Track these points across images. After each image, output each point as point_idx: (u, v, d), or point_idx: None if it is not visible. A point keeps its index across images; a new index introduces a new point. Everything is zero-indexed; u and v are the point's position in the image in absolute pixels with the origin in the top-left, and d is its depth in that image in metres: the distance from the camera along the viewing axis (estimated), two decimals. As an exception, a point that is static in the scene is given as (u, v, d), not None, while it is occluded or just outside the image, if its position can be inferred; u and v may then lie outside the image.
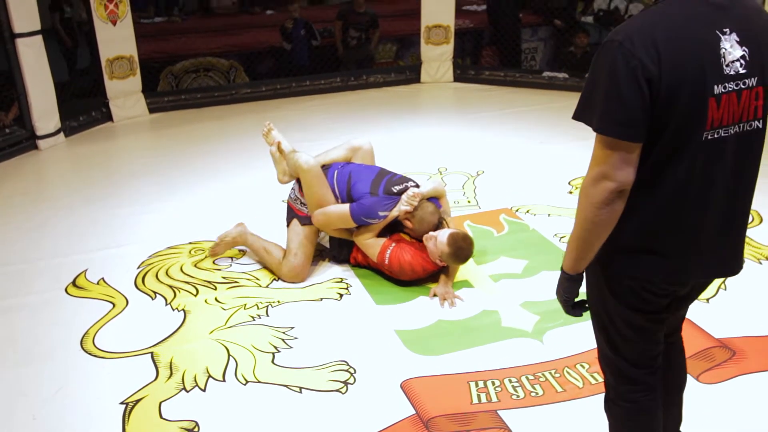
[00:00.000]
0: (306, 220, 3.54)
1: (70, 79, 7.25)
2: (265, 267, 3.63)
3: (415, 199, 3.37)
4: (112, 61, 6.38)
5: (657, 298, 1.75)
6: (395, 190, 3.44)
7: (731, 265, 1.79)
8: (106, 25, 6.28)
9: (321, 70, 7.58)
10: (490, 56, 8.27)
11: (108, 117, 6.48)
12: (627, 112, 1.53)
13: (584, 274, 1.81)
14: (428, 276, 3.45)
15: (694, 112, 1.55)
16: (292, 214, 3.62)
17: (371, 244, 3.44)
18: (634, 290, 1.73)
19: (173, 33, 8.28)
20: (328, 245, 3.78)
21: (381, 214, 3.39)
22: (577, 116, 1.65)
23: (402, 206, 3.37)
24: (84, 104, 6.49)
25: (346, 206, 3.43)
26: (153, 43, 7.56)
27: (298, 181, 3.60)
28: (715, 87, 1.56)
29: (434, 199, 3.51)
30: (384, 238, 3.45)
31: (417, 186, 3.51)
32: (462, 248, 3.31)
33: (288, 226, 3.62)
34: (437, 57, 7.55)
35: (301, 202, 3.58)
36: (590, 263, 1.78)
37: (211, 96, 7.11)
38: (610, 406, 1.95)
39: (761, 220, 4.07)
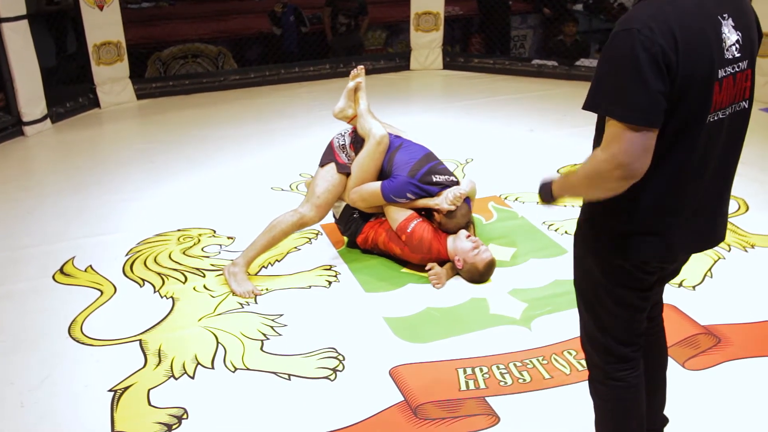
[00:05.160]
0: (342, 168, 3.52)
1: (57, 64, 7.19)
2: (284, 236, 3.47)
3: (460, 200, 3.37)
4: (99, 46, 6.32)
5: (648, 275, 1.80)
6: (434, 180, 3.44)
7: (718, 236, 1.86)
8: (93, 10, 6.21)
9: (310, 57, 7.54)
10: (480, 44, 8.26)
11: (95, 103, 6.43)
12: (650, 98, 1.53)
13: (573, 254, 1.89)
14: (422, 264, 3.46)
15: (703, 97, 1.59)
16: (330, 157, 3.59)
17: (399, 211, 3.44)
18: (626, 270, 1.77)
19: (161, 18, 8.23)
20: (338, 216, 3.73)
21: (409, 195, 3.41)
22: (589, 106, 1.62)
23: (445, 205, 3.36)
24: (71, 90, 6.43)
25: (379, 183, 3.45)
26: (141, 28, 7.50)
27: (355, 133, 3.61)
28: (720, 71, 1.60)
29: (467, 198, 3.51)
30: (412, 210, 3.46)
31: (456, 180, 3.52)
32: (485, 278, 3.38)
33: (322, 167, 3.58)
34: (427, 44, 7.53)
35: (346, 154, 3.57)
36: (583, 248, 1.83)
37: (200, 82, 7.06)
38: (596, 387, 1.97)
39: (747, 208, 4.10)
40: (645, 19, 1.54)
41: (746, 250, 3.64)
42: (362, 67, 3.75)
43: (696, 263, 3.44)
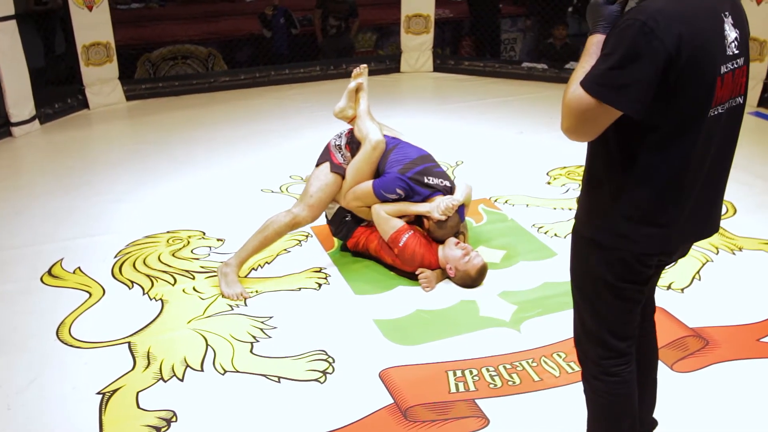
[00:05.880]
0: (336, 169, 3.52)
1: (46, 65, 7.15)
2: (277, 237, 3.47)
3: (452, 211, 3.36)
4: (88, 47, 6.29)
5: (646, 268, 1.82)
6: (425, 181, 3.44)
7: (713, 226, 1.90)
8: (82, 10, 6.18)
9: (300, 59, 7.54)
10: (470, 46, 8.28)
11: (84, 104, 6.40)
12: (643, 91, 1.57)
13: (571, 248, 1.90)
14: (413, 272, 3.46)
15: (706, 91, 1.63)
16: (326, 157, 3.58)
17: (389, 221, 3.42)
18: (627, 262, 1.79)
19: (151, 19, 8.20)
20: (330, 217, 3.72)
21: (398, 191, 3.41)
22: (586, 87, 1.61)
23: (436, 214, 3.35)
24: (59, 91, 6.40)
25: (371, 182, 3.46)
26: (130, 29, 7.47)
27: (351, 133, 3.62)
28: (722, 67, 1.65)
29: (461, 206, 3.51)
30: (402, 221, 3.45)
31: (452, 185, 3.52)
32: (477, 283, 3.37)
33: (317, 167, 3.58)
34: (417, 47, 7.54)
35: (342, 154, 3.56)
36: (583, 241, 1.85)
37: (189, 84, 7.04)
38: (591, 383, 1.98)
39: (735, 212, 4.13)
40: (652, 12, 1.57)
41: (734, 253, 3.67)
42: (365, 66, 3.75)
43: (684, 266, 3.46)
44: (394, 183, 3.40)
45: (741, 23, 1.72)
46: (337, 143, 3.62)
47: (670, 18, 1.56)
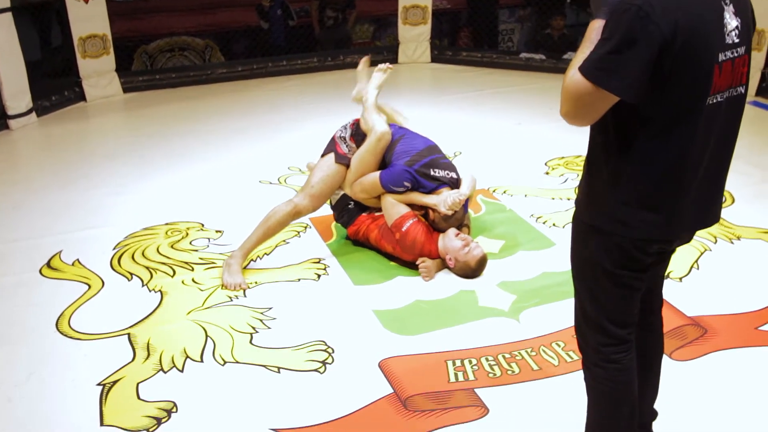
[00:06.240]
0: (341, 159, 3.53)
1: (42, 57, 7.13)
2: (279, 227, 3.47)
3: (459, 206, 3.37)
4: (84, 39, 6.27)
5: (645, 256, 1.82)
6: (431, 173, 3.45)
7: (714, 216, 1.90)
8: (79, 2, 6.16)
9: (297, 50, 7.52)
10: (468, 37, 8.27)
11: (81, 97, 6.38)
12: (638, 75, 1.57)
13: (571, 235, 1.91)
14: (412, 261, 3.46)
15: (704, 79, 1.63)
16: (331, 147, 3.61)
17: (395, 206, 3.44)
18: (625, 249, 1.79)
19: (147, 11, 8.15)
20: (333, 203, 3.73)
21: (406, 184, 3.43)
22: (583, 72, 1.61)
23: (442, 208, 3.35)
24: (56, 83, 6.38)
25: (378, 173, 3.47)
26: (127, 21, 7.44)
27: (356, 125, 3.64)
28: (720, 55, 1.64)
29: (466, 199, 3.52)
30: (408, 208, 3.46)
31: (457, 177, 3.53)
32: (477, 274, 3.37)
33: (322, 157, 3.60)
34: (414, 38, 7.52)
35: (347, 145, 3.58)
36: (582, 226, 1.85)
37: (187, 76, 7.02)
38: (591, 370, 1.98)
39: (733, 201, 4.13)
40: None
41: (732, 242, 3.67)
42: (391, 66, 3.81)
43: (683, 255, 3.47)
44: (402, 176, 3.42)
45: (743, 12, 1.71)
46: (342, 135, 3.63)
47: (667, 3, 1.56)
